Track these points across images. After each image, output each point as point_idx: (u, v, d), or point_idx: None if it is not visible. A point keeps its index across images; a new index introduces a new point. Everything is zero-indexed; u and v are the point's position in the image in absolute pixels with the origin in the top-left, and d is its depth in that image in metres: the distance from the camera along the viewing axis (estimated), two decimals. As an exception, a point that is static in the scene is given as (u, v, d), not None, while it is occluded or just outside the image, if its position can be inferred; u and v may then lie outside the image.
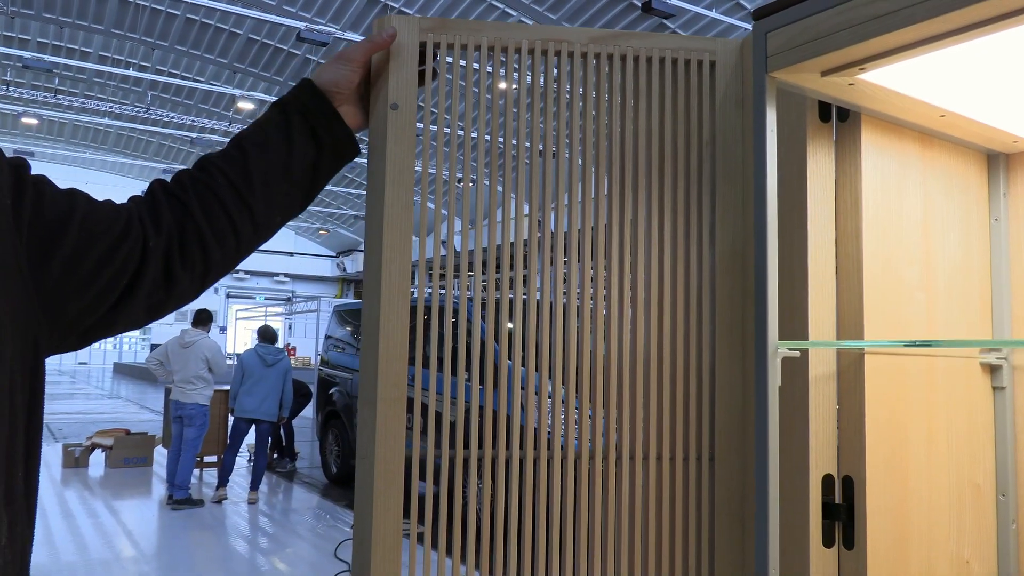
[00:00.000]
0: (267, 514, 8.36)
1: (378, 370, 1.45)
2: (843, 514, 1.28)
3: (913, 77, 1.16)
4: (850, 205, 1.31)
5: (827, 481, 1.29)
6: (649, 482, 1.51)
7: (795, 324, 1.30)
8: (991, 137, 1.40)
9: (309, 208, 33.46)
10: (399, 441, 1.44)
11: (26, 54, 19.81)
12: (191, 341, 8.59)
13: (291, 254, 37.34)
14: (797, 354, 1.19)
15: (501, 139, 1.53)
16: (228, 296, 30.80)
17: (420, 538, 1.49)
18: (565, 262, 1.54)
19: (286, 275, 36.80)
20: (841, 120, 1.34)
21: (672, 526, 1.52)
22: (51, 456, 11.63)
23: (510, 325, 1.50)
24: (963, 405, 1.43)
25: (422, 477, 1.58)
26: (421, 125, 1.52)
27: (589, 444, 1.51)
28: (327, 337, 10.60)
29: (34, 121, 25.46)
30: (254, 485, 8.86)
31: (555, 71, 1.61)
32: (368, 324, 1.47)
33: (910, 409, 1.34)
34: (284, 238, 37.79)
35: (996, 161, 1.50)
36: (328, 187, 29.79)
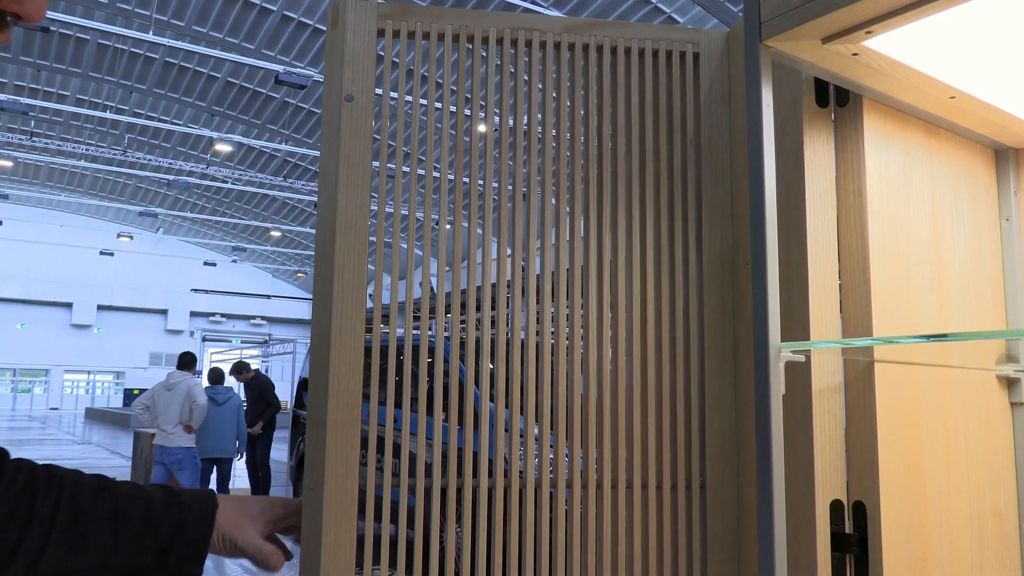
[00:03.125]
0: (237, 560, 8.03)
1: (328, 389, 1.29)
2: (855, 545, 1.12)
3: (923, 48, 1.04)
4: (853, 197, 1.18)
5: (836, 508, 1.13)
6: (634, 512, 1.35)
7: (796, 330, 1.16)
8: (1003, 126, 1.28)
9: (286, 251, 33.26)
10: (352, 469, 1.28)
11: (1, 96, 19.64)
12: (175, 383, 8.57)
13: (268, 297, 36.97)
14: (801, 358, 1.05)
15: (468, 179, 1.39)
16: (204, 340, 30.32)
17: (376, 580, 1.32)
18: (539, 292, 1.39)
19: (263, 318, 36.40)
20: (840, 105, 1.22)
21: (660, 559, 1.35)
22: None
23: (491, 366, 1.35)
24: (980, 423, 1.28)
25: (394, 519, 1.41)
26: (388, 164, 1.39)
27: (567, 473, 1.35)
28: (301, 379, 10.45)
29: (8, 163, 25.22)
30: None
31: (526, 61, 1.48)
32: (318, 337, 1.31)
33: (925, 427, 1.19)
34: (261, 281, 37.44)
35: (1006, 157, 1.38)
36: (307, 229, 29.61)
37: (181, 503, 1.09)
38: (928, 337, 0.87)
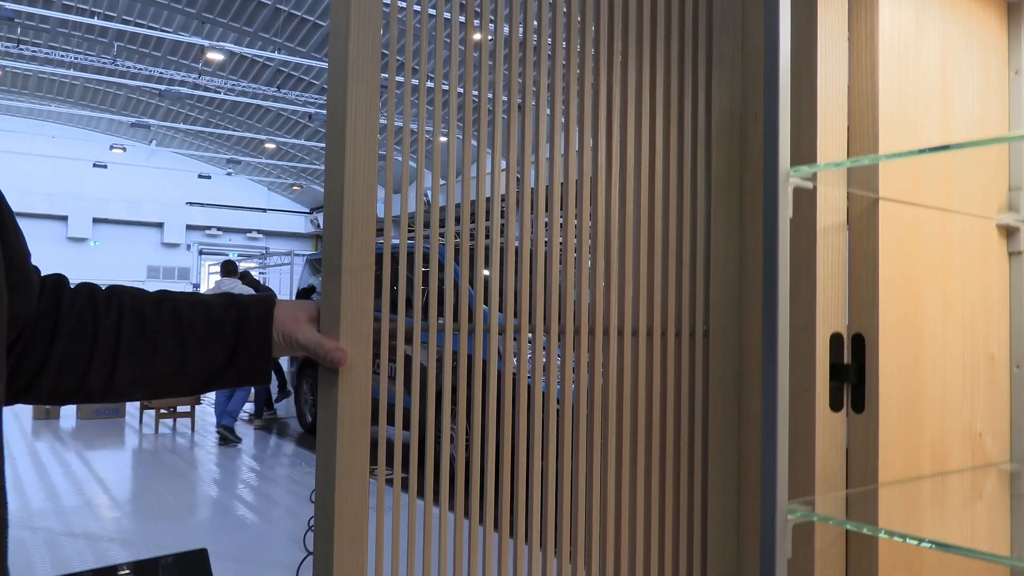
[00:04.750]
0: (243, 462, 8.26)
1: (343, 236, 1.31)
2: (853, 375, 1.17)
3: None
4: (865, 39, 1.18)
5: (836, 340, 1.18)
6: (639, 358, 1.40)
7: (804, 161, 1.17)
8: (1016, -29, 1.27)
9: (281, 163, 32.94)
10: (367, 315, 1.31)
11: (-15, 1, 19.11)
12: (227, 289, 8.75)
13: (264, 210, 36.81)
14: (809, 184, 1.07)
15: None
16: (201, 253, 30.34)
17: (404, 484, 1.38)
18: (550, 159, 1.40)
19: (259, 231, 36.33)
20: (855, -54, 1.21)
21: (663, 404, 1.41)
22: (21, 408, 11.44)
23: (486, 272, 1.37)
24: (978, 269, 1.32)
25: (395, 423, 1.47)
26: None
27: (575, 321, 1.39)
28: (299, 289, 10.55)
29: (-4, 72, 24.71)
30: (258, 413, 9.94)
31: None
32: (332, 184, 1.32)
33: (925, 267, 1.23)
34: (257, 194, 37.22)
35: (1018, 10, 1.38)
36: (301, 142, 29.32)
37: (239, 303, 1.14)
38: (932, 149, 0.90)
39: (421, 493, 1.31)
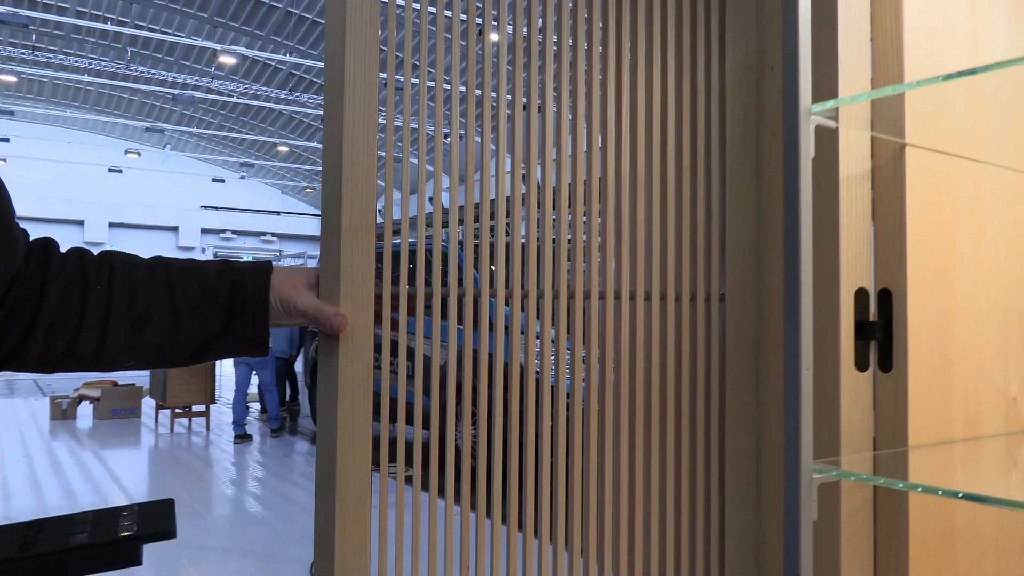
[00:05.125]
0: (257, 460, 8.25)
1: (342, 194, 1.26)
2: (879, 332, 1.10)
3: None
4: (887, -25, 1.12)
5: (861, 296, 1.11)
6: (652, 323, 1.34)
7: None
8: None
9: (294, 166, 33.02)
10: (368, 278, 1.26)
11: (1, 8, 19.26)
12: None
13: (278, 213, 36.93)
14: (832, 124, 1.00)
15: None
16: (215, 256, 30.53)
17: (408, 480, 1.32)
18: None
19: (273, 234, 36.46)
20: None
21: (677, 372, 1.34)
22: (39, 409, 11.49)
23: (493, 268, 1.30)
24: (1011, 226, 1.25)
25: (410, 422, 1.41)
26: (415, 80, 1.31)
27: (585, 284, 1.33)
28: None
29: (12, 79, 24.93)
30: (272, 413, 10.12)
31: None
32: (330, 140, 1.27)
33: (956, 219, 1.16)
34: (270, 197, 37.34)
35: (1048, -50, 1.31)
36: (314, 144, 29.39)
37: (234, 269, 1.09)
38: (960, 74, 0.83)
39: (426, 487, 1.25)
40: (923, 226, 1.11)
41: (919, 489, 0.86)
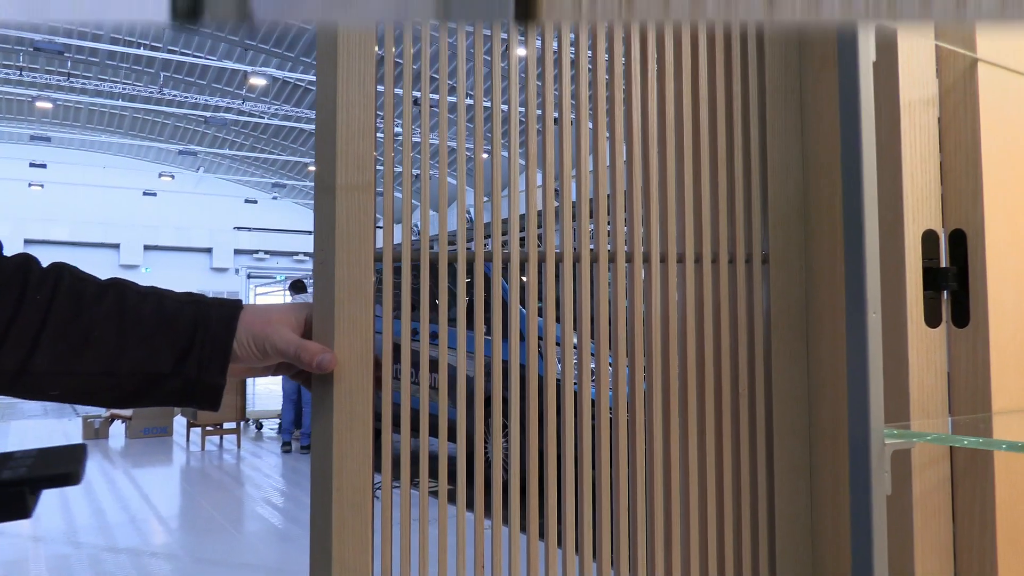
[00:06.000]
0: (287, 477, 8.18)
1: (336, 149, 1.13)
2: (952, 280, 0.95)
3: None
4: None
5: (929, 239, 0.96)
6: (688, 289, 1.19)
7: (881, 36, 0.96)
8: None
9: (327, 186, 33.25)
10: (367, 235, 1.13)
11: (37, 37, 19.67)
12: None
13: (310, 233, 37.17)
14: (892, 23, 0.86)
15: None
16: (249, 277, 30.71)
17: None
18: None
19: (305, 254, 36.71)
20: None
21: (717, 341, 1.20)
22: (71, 428, 11.57)
23: (524, 278, 1.16)
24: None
25: (435, 434, 1.28)
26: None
27: (611, 246, 1.19)
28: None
29: (48, 105, 25.43)
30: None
31: None
32: (323, 90, 1.15)
33: (1034, 150, 1.01)
34: (303, 217, 37.63)
35: None
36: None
37: (199, 301, 0.93)
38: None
39: (452, 499, 1.12)
40: (1000, 157, 0.96)
41: (1004, 446, 0.70)
